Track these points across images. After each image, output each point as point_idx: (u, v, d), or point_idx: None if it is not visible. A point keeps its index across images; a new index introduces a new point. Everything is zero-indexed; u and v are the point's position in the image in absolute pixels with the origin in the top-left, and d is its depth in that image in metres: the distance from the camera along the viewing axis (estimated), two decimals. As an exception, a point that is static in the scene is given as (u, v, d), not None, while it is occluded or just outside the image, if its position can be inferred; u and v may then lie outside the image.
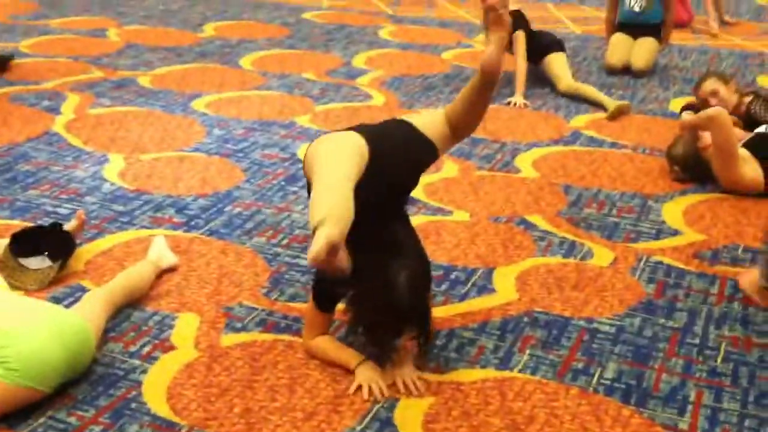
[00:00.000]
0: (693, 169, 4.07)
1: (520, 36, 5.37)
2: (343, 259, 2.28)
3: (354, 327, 2.47)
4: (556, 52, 5.56)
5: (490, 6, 2.50)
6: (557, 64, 5.52)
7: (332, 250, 2.17)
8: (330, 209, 2.24)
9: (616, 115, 5.01)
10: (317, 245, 2.16)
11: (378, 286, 2.36)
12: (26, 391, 2.29)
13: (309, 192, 2.58)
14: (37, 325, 2.35)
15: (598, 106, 5.17)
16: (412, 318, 2.41)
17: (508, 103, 5.16)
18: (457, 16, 7.71)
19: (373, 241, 2.44)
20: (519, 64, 5.32)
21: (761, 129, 4.10)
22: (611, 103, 5.07)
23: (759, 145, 3.99)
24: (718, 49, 6.67)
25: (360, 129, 2.64)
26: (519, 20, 5.40)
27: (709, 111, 3.91)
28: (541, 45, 5.56)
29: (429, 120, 2.73)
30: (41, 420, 2.33)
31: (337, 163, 2.42)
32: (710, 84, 4.39)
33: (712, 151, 3.95)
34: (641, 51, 5.91)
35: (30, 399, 2.31)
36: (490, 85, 2.61)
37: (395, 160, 2.58)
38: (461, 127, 2.70)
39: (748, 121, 4.30)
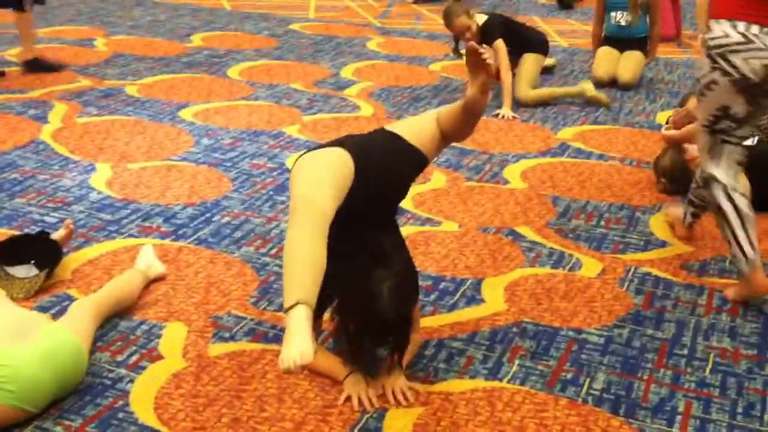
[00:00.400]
0: (680, 180, 4.09)
1: (501, 46, 5.32)
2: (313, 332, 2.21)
3: (337, 334, 2.47)
4: (533, 52, 5.57)
5: (470, 50, 2.48)
6: (526, 67, 5.52)
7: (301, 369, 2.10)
8: (305, 291, 2.18)
9: (595, 100, 5.28)
10: (291, 362, 2.06)
11: (361, 296, 2.36)
12: (16, 411, 2.29)
13: None
14: (35, 346, 2.34)
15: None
16: (394, 329, 2.41)
17: (496, 115, 5.18)
18: (444, 28, 7.71)
19: (359, 249, 2.43)
20: (503, 77, 5.28)
21: (746, 142, 4.10)
22: (585, 89, 5.35)
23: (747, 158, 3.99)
24: (703, 63, 6.70)
25: (346, 142, 2.61)
26: (497, 27, 5.39)
27: (691, 127, 3.91)
28: (520, 42, 5.55)
29: (417, 127, 2.71)
30: (27, 429, 2.31)
31: (316, 198, 2.34)
32: (693, 102, 4.41)
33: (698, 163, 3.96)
34: (628, 64, 5.95)
35: (18, 418, 2.30)
36: (474, 117, 2.63)
37: (382, 172, 2.56)
38: (451, 135, 2.70)
39: None
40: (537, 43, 5.65)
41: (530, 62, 5.55)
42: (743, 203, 3.07)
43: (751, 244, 3.03)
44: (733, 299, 3.14)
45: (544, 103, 5.43)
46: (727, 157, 3.09)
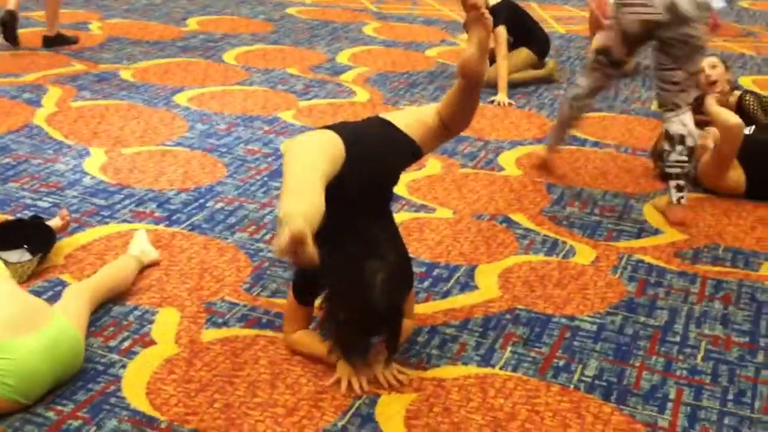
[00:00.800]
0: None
1: (501, 32, 5.31)
2: (311, 252, 2.22)
3: (326, 323, 2.46)
4: (530, 49, 5.59)
5: (470, 5, 2.48)
6: (515, 57, 5.52)
7: (297, 242, 2.11)
8: (297, 201, 2.22)
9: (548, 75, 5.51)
10: (281, 238, 2.10)
11: (354, 286, 2.35)
12: (10, 403, 2.28)
13: None
14: (38, 338, 2.32)
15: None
16: (385, 320, 2.40)
17: (492, 102, 5.16)
18: (441, 13, 7.71)
19: (352, 238, 2.42)
20: (499, 62, 5.28)
21: (745, 131, 4.09)
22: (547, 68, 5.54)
23: (742, 147, 3.98)
24: (700, 50, 6.69)
25: (338, 128, 2.61)
26: (504, 11, 5.38)
27: (732, 120, 3.85)
28: (523, 34, 5.55)
29: (414, 118, 2.71)
30: (19, 414, 2.30)
31: (309, 158, 2.40)
32: (713, 60, 4.41)
33: (708, 155, 3.94)
34: None
35: (11, 409, 2.30)
36: (473, 85, 2.60)
37: (373, 159, 2.56)
38: (454, 123, 2.69)
39: (739, 116, 4.30)
40: (537, 41, 5.64)
41: (521, 55, 5.56)
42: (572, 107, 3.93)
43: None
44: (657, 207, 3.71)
45: (514, 83, 5.45)
46: (591, 79, 3.83)
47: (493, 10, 5.33)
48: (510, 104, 5.17)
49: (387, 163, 2.62)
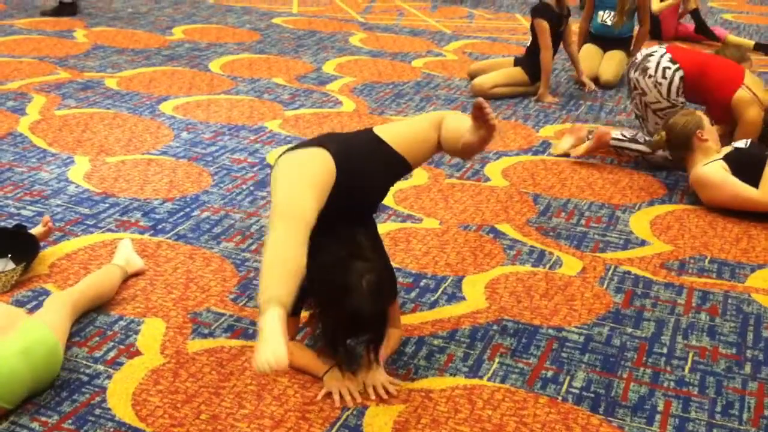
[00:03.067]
0: (678, 146, 4.08)
1: (543, 24, 5.37)
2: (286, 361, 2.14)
3: (314, 330, 2.45)
4: (522, 67, 5.64)
5: (476, 104, 2.42)
6: (510, 70, 5.63)
7: (276, 369, 2.08)
8: (278, 283, 2.17)
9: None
10: (266, 365, 2.05)
11: (339, 288, 2.34)
12: None
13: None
14: (13, 340, 2.31)
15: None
16: (370, 322, 2.39)
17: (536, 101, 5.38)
18: (427, 24, 7.72)
19: (336, 243, 2.41)
20: (542, 56, 5.44)
21: (740, 144, 4.06)
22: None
23: (738, 161, 3.94)
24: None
25: (328, 142, 2.56)
26: (546, 11, 5.41)
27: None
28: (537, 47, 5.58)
29: (407, 132, 2.67)
30: (3, 425, 2.27)
31: (299, 203, 2.33)
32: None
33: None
34: (610, 63, 5.97)
35: None
36: (470, 155, 2.63)
37: (362, 176, 2.54)
38: (447, 150, 2.68)
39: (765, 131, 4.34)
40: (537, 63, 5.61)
41: (515, 74, 5.60)
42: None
43: None
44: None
45: (495, 97, 5.51)
46: None
47: (540, 4, 5.43)
48: (551, 104, 5.41)
49: (375, 180, 2.61)
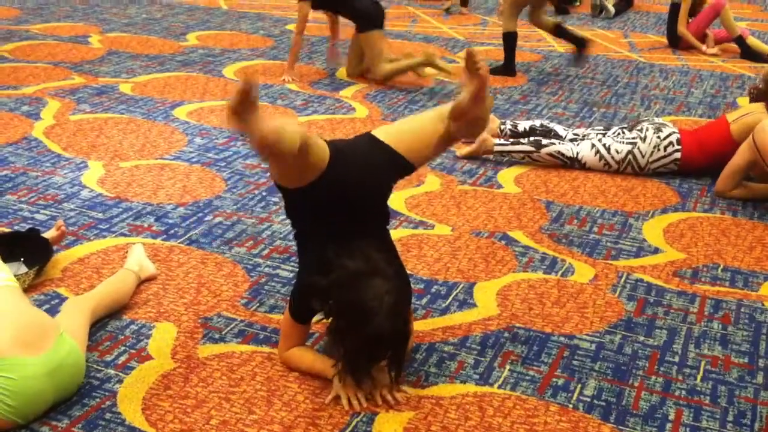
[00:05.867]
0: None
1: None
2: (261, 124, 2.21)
3: (332, 345, 2.41)
4: (371, 30, 5.75)
5: (468, 53, 2.43)
6: (373, 45, 5.74)
7: (244, 96, 2.13)
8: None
9: (439, 68, 5.62)
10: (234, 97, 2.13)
11: (359, 313, 2.29)
12: (8, 423, 2.26)
13: (285, 201, 2.59)
14: (45, 360, 2.29)
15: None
16: (392, 343, 2.36)
17: None
18: (440, 31, 7.73)
19: (352, 259, 2.36)
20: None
21: None
22: (429, 54, 5.66)
23: None
24: (699, 71, 6.72)
25: (327, 140, 2.57)
26: None
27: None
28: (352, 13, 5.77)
29: (402, 129, 2.67)
30: (13, 429, 2.28)
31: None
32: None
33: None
34: None
35: (6, 428, 2.28)
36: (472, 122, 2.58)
37: (356, 169, 2.51)
38: (458, 131, 2.64)
39: None
40: (371, 16, 5.74)
41: (376, 39, 5.72)
42: None
43: None
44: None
45: (400, 73, 5.61)
46: None
47: None
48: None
49: (371, 175, 2.55)
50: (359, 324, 2.30)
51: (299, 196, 2.48)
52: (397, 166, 2.62)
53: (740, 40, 7.26)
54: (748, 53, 7.21)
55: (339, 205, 2.46)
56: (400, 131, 2.67)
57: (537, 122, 4.68)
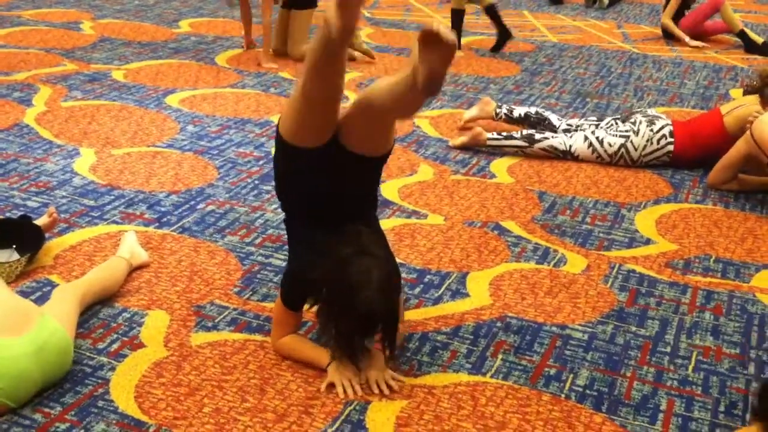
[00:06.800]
0: None
1: None
2: None
3: (324, 329, 2.43)
4: (303, 8, 5.92)
5: (426, 30, 2.17)
6: (299, 24, 5.91)
7: None
8: None
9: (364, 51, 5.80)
10: None
11: (349, 287, 2.32)
12: (2, 406, 2.26)
13: (275, 167, 2.65)
14: (28, 340, 2.29)
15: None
16: (383, 317, 2.38)
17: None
18: (434, 20, 7.70)
19: (340, 242, 2.39)
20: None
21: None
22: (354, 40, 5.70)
23: None
24: (692, 62, 6.73)
25: None
26: None
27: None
28: None
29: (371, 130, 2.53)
30: (5, 417, 2.28)
31: None
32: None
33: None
34: None
35: (1, 412, 2.28)
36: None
37: (358, 145, 2.50)
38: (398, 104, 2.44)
39: None
40: None
41: (304, 18, 5.87)
42: None
43: None
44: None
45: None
46: None
47: None
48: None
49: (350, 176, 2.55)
50: (349, 299, 2.31)
51: (308, 158, 2.48)
52: (363, 165, 2.56)
53: (743, 35, 7.25)
54: (753, 47, 7.20)
55: (338, 180, 2.46)
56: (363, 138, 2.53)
57: (532, 109, 4.68)
